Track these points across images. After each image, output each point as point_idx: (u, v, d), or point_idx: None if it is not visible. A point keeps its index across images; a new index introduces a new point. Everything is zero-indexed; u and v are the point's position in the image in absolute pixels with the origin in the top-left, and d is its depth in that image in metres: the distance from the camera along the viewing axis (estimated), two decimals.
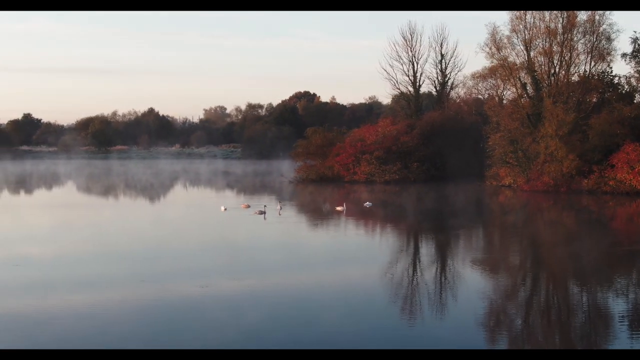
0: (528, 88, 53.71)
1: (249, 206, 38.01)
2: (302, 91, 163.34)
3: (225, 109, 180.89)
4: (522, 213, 39.92)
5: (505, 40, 53.45)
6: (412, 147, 60.06)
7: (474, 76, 60.89)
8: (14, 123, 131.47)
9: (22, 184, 61.12)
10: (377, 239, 29.04)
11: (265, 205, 36.67)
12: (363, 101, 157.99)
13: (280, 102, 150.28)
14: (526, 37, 52.25)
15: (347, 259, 23.00)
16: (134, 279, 18.99)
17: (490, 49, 53.82)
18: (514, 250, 25.98)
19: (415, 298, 17.21)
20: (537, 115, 51.18)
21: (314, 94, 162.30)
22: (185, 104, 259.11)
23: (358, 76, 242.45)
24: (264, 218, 33.60)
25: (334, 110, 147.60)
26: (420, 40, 73.97)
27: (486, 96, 61.98)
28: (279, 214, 35.09)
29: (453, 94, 73.58)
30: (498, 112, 54.00)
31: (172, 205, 45.51)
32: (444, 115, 66.01)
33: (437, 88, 73.70)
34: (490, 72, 55.78)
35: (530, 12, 51.51)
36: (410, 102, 73.14)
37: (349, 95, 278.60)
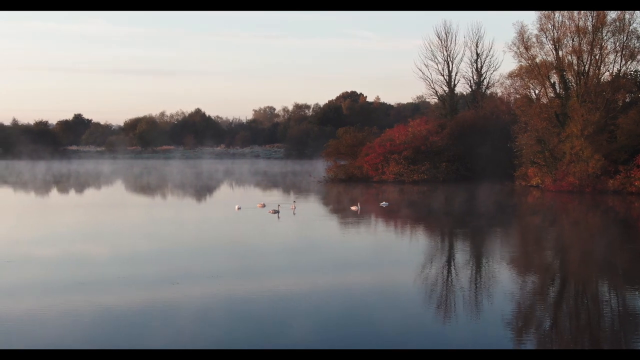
0: (557, 87, 53.24)
1: (264, 205, 38.52)
2: (348, 91, 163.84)
3: (274, 109, 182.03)
4: (544, 215, 39.49)
5: (534, 39, 53.13)
6: (442, 146, 59.96)
7: (510, 75, 60.52)
8: (62, 123, 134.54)
9: (51, 184, 62.53)
10: (382, 240, 28.52)
11: (279, 205, 37.18)
12: (410, 101, 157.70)
13: (327, 102, 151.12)
14: (555, 36, 51.78)
15: (348, 261, 22.53)
16: (116, 280, 19.17)
17: (518, 48, 53.57)
18: (537, 253, 25.45)
19: (416, 302, 17.17)
20: (565, 115, 50.71)
21: (360, 94, 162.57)
22: (235, 105, 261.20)
23: (407, 75, 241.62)
24: (278, 217, 34.09)
25: (378, 110, 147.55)
26: (455, 40, 74.12)
27: (528, 94, 61.44)
28: (293, 214, 35.55)
29: (490, 93, 73.27)
30: (526, 111, 53.54)
31: (189, 204, 46.07)
32: (476, 115, 65.69)
33: (473, 87, 73.47)
34: (524, 71, 55.28)
35: (559, 11, 51.04)
36: (445, 102, 73.07)
37: (398, 94, 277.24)
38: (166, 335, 13.62)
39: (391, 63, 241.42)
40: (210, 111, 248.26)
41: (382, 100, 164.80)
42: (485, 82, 73.20)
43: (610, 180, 46.84)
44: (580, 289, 18.87)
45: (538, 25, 52.66)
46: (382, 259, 23.07)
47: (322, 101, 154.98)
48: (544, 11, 51.45)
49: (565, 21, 51.41)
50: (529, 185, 53.37)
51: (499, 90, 71.25)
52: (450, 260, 23.12)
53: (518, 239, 29.18)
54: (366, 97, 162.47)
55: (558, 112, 51.25)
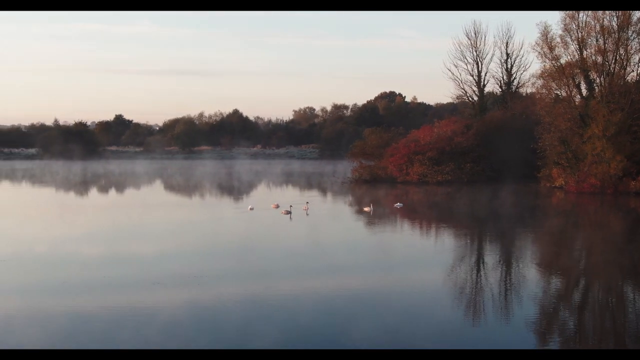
0: (581, 87, 52.72)
1: (278, 206, 38.93)
2: (387, 91, 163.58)
3: (313, 109, 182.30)
4: (559, 217, 39.19)
5: (558, 40, 52.65)
6: (467, 147, 59.62)
7: (542, 75, 59.96)
8: (102, 124, 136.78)
9: (76, 184, 63.62)
10: (384, 242, 28.39)
11: (291, 205, 37.52)
12: (450, 101, 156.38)
13: (365, 102, 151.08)
14: (579, 37, 51.26)
15: (346, 264, 22.29)
16: (99, 280, 19.63)
17: (542, 48, 53.16)
18: (553, 256, 25.33)
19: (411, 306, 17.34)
20: (588, 116, 50.19)
21: (399, 94, 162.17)
22: (276, 105, 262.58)
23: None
24: (290, 218, 34.48)
25: (415, 110, 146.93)
26: (485, 40, 73.32)
27: (553, 95, 60.82)
28: (306, 214, 35.90)
29: (520, 93, 72.66)
30: (550, 111, 53.03)
31: (204, 204, 46.81)
32: (504, 116, 65.33)
33: (503, 88, 72.99)
34: (548, 72, 54.75)
35: (583, 10, 50.58)
36: (474, 103, 72.84)
37: (439, 94, 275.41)
38: (125, 339, 13.75)
39: (435, 62, 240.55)
40: (252, 112, 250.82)
41: (422, 101, 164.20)
42: (515, 83, 72.73)
43: (632, 181, 46.32)
44: (606, 291, 19.02)
45: (562, 26, 52.22)
46: (378, 262, 22.94)
47: (362, 101, 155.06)
48: (567, 11, 51.10)
49: (590, 21, 50.96)
50: (553, 186, 52.87)
51: (530, 90, 70.73)
52: (450, 263, 22.81)
53: (529, 242, 29.04)
54: (404, 97, 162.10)
55: (582, 112, 50.73)
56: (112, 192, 56.96)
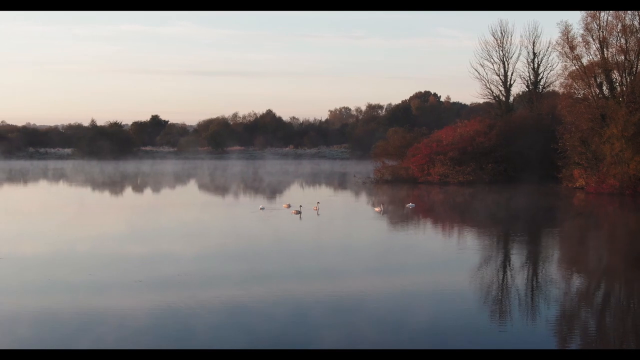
0: (603, 87, 52.18)
1: (289, 206, 39.31)
2: (422, 91, 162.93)
3: (349, 109, 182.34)
4: (572, 220, 39.01)
5: (580, 39, 52.23)
6: (489, 147, 59.31)
7: (570, 75, 59.40)
8: (137, 125, 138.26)
9: (99, 184, 64.57)
10: (388, 244, 28.29)
11: (300, 205, 37.85)
12: (487, 100, 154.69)
13: (400, 102, 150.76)
14: (600, 36, 50.79)
15: (340, 267, 22.14)
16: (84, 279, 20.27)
17: (563, 48, 52.82)
18: (573, 257, 25.42)
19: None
20: (608, 115, 49.70)
21: (434, 93, 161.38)
22: (314, 105, 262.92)
23: None
24: (300, 218, 34.81)
25: (448, 110, 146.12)
26: (511, 40, 72.80)
27: (581, 95, 60.20)
28: (317, 214, 36.18)
29: (548, 92, 71.98)
30: (572, 111, 52.57)
31: (216, 203, 47.36)
32: (529, 115, 64.88)
33: (530, 87, 72.42)
34: (570, 71, 54.31)
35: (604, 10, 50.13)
36: (501, 102, 72.45)
37: (474, 94, 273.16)
38: (82, 341, 13.88)
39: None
40: (288, 112, 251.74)
41: (457, 100, 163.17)
42: (542, 82, 72.07)
43: None
44: (628, 292, 19.22)
45: (583, 25, 51.81)
46: (372, 265, 22.82)
47: (397, 101, 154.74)
48: (589, 11, 50.65)
49: (611, 20, 50.47)
50: (574, 187, 52.36)
51: (557, 89, 69.99)
52: (449, 266, 22.73)
53: (541, 243, 29.00)
54: (439, 97, 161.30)
55: (603, 112, 50.24)
56: (131, 192, 57.71)
